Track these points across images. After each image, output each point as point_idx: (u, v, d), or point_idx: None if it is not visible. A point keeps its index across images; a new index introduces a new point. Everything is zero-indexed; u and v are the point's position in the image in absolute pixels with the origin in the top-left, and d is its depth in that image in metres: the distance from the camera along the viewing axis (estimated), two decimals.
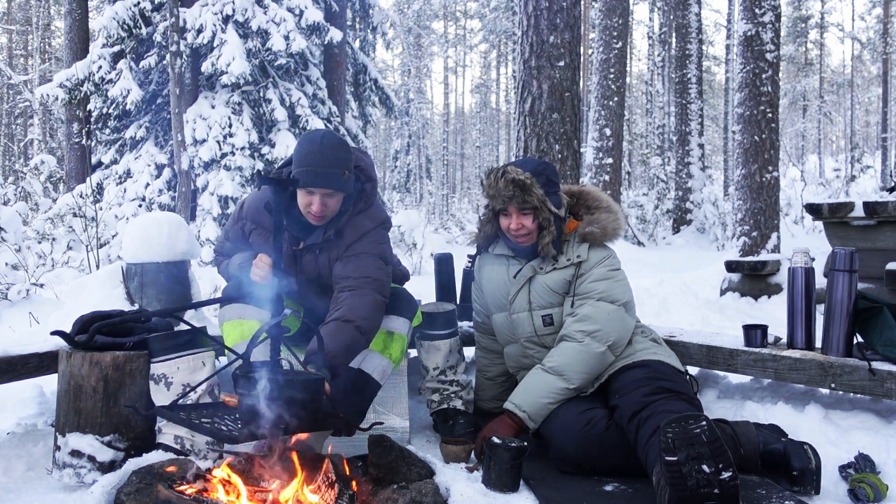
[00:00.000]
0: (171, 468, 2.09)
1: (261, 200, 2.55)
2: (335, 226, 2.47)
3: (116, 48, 12.20)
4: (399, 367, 2.67)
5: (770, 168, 7.63)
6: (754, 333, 2.78)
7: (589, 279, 2.57)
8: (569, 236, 2.63)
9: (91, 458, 2.33)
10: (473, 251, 2.93)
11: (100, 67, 12.07)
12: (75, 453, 2.33)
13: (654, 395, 2.25)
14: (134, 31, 11.97)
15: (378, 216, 2.56)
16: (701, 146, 15.65)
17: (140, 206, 11.61)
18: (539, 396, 2.44)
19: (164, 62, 11.78)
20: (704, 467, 1.83)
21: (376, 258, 2.47)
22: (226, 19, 11.25)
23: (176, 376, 2.41)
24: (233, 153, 11.47)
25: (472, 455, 2.46)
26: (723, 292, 6.18)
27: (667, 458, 1.86)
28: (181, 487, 1.91)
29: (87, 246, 7.40)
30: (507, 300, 2.67)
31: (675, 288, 6.14)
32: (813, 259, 2.76)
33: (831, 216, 5.01)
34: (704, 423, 1.87)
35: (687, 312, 5.57)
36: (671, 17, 19.30)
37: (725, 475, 1.83)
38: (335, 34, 12.09)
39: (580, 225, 2.64)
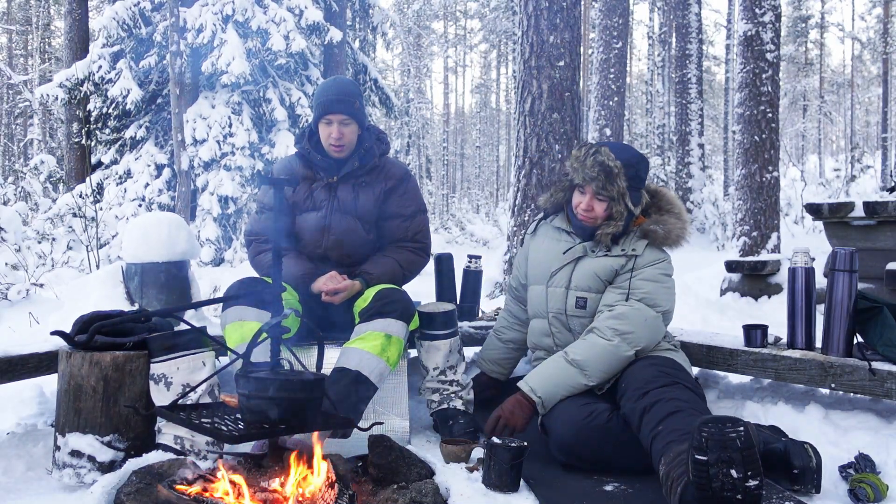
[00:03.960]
0: (170, 468, 2.09)
1: (287, 159, 2.87)
2: (360, 158, 2.76)
3: (116, 48, 12.22)
4: (399, 368, 2.68)
5: (770, 168, 7.63)
6: (754, 333, 2.78)
7: (638, 277, 2.53)
8: (632, 229, 2.60)
9: (91, 458, 2.33)
10: (475, 251, 2.93)
11: (100, 67, 12.08)
12: (75, 453, 2.33)
13: (659, 380, 2.26)
14: (134, 30, 11.99)
15: (403, 165, 2.95)
16: (701, 146, 15.63)
17: (140, 206, 11.63)
18: (556, 385, 2.42)
19: (164, 62, 11.78)
20: (733, 472, 1.80)
21: (423, 215, 2.89)
22: (226, 19, 11.25)
23: (176, 376, 2.41)
24: (233, 153, 11.48)
25: (472, 455, 2.46)
26: (723, 292, 6.18)
27: (697, 456, 1.82)
28: (181, 487, 1.91)
29: (87, 246, 7.41)
30: (549, 272, 2.65)
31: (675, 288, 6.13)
32: (813, 259, 2.76)
33: (831, 216, 5.01)
34: (742, 428, 1.82)
35: (687, 312, 5.55)
36: (671, 17, 19.29)
37: (752, 483, 1.80)
38: (335, 34, 12.09)
39: (646, 221, 2.59)
